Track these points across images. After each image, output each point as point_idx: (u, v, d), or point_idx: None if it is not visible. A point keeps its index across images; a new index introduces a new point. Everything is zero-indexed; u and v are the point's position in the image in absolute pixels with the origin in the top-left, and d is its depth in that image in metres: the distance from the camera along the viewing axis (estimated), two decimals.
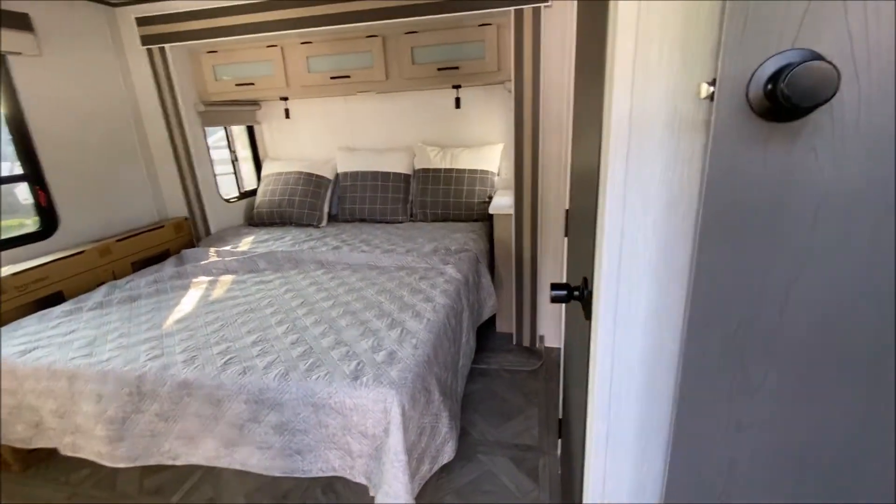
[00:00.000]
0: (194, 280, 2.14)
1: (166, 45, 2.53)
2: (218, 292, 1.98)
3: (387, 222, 2.94)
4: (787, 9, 0.46)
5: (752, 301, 0.55)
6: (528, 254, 2.46)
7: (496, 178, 2.91)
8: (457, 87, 2.70)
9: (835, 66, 0.43)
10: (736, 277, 0.55)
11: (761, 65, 0.48)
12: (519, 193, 2.36)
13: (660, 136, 0.59)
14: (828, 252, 0.51)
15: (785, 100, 0.45)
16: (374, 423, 1.20)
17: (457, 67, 2.44)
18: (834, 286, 0.52)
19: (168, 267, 2.33)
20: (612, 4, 0.64)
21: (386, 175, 2.96)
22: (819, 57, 0.45)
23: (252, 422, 1.30)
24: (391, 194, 2.94)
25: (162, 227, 2.71)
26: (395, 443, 1.18)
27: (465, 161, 2.88)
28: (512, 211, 2.40)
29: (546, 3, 2.06)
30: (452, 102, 2.84)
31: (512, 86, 2.22)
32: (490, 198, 2.82)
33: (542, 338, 2.63)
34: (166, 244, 2.72)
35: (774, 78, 0.47)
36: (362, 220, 3.00)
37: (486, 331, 2.71)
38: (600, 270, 0.71)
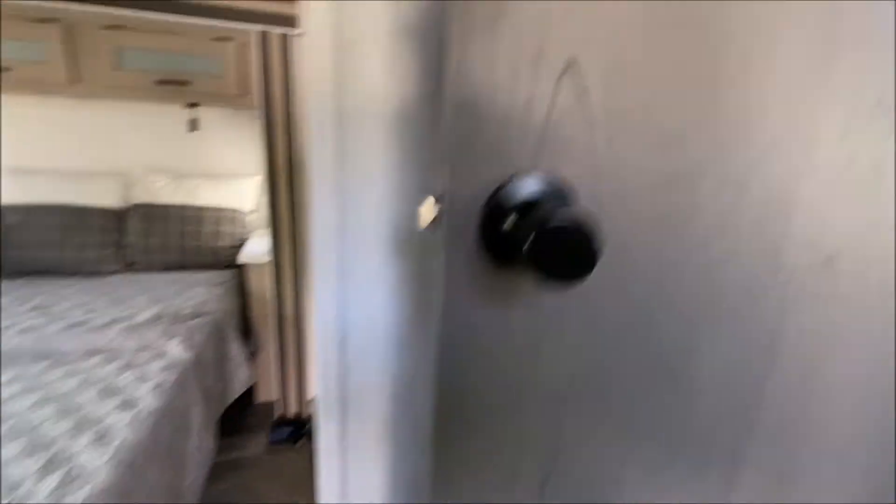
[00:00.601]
0: None
1: None
2: None
3: (85, 275, 2.13)
4: (521, 128, 0.32)
5: None
6: (290, 309, 2.11)
7: (251, 218, 2.46)
8: (193, 105, 2.18)
9: (594, 229, 0.29)
10: (482, 488, 0.39)
11: (495, 191, 0.33)
12: (276, 238, 2.01)
13: (380, 267, 0.40)
14: (575, 449, 0.39)
15: (527, 259, 0.31)
16: None
17: (187, 83, 1.95)
18: (584, 484, 0.41)
19: None
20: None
21: (83, 211, 2.15)
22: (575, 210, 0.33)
23: None
24: (93, 237, 2.14)
25: None
26: None
27: (208, 196, 2.35)
28: (269, 258, 2.03)
29: (295, 32, 1.82)
30: (186, 123, 2.29)
31: (259, 113, 1.88)
32: (243, 241, 2.36)
33: (311, 402, 2.30)
34: None
35: (521, 212, 0.33)
36: (42, 273, 2.09)
37: (240, 405, 2.21)
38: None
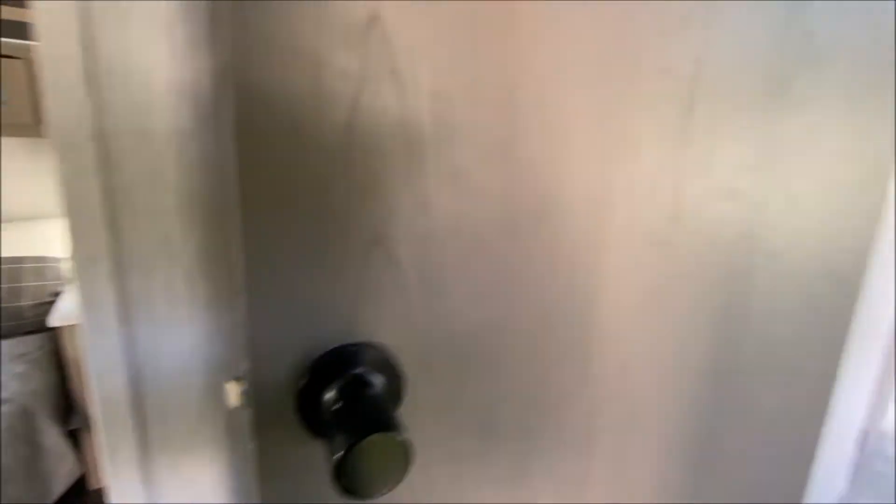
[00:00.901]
0: None
1: None
2: None
3: None
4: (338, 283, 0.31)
5: None
6: None
7: (66, 267, 2.04)
8: None
9: (406, 443, 0.29)
10: None
11: (313, 364, 0.31)
12: None
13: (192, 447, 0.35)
14: None
15: (333, 475, 0.28)
16: None
17: None
18: None
19: None
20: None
21: None
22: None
23: None
24: None
25: None
26: None
27: (2, 244, 1.88)
28: None
29: None
30: None
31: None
32: (56, 296, 1.94)
33: None
34: None
35: (342, 387, 0.32)
36: None
37: (69, 497, 1.81)
38: None
